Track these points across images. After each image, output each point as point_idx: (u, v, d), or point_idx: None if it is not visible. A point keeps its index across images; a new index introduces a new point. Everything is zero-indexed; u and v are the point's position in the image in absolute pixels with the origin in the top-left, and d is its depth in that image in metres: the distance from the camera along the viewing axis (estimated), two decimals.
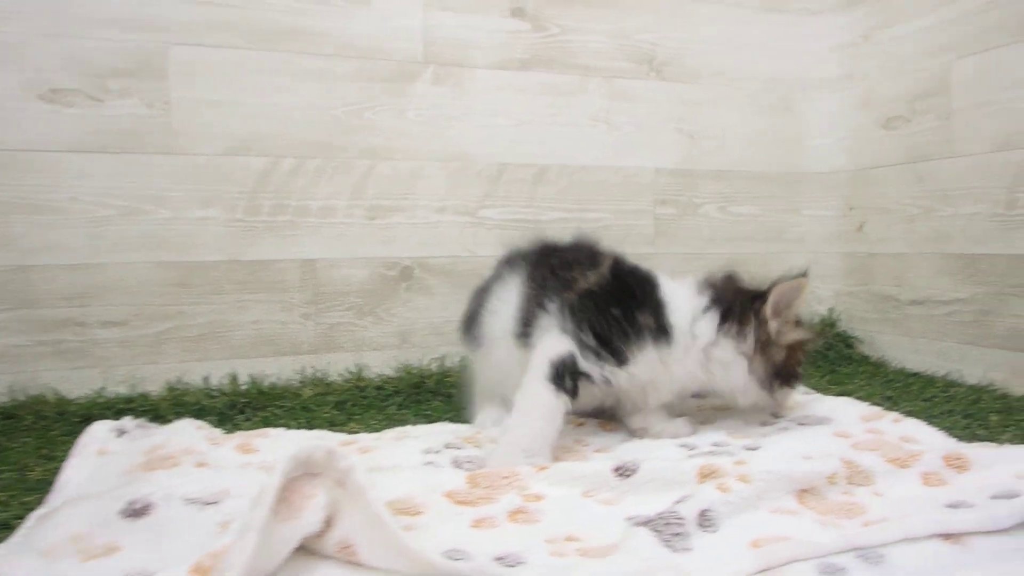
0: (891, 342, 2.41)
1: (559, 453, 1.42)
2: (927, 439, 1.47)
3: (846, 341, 2.50)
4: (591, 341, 1.47)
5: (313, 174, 2.06)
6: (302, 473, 1.01)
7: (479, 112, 2.23)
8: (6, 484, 1.36)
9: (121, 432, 1.48)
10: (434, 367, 2.11)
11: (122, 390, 1.90)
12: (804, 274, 1.56)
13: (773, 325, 1.55)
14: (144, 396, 1.86)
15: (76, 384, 1.89)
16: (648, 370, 1.51)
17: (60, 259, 1.89)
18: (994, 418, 1.71)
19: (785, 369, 1.57)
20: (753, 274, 1.66)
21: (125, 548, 1.01)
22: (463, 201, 2.22)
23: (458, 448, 1.45)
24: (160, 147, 1.94)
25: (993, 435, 1.58)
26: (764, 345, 1.54)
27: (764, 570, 0.99)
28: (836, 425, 1.57)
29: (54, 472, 1.32)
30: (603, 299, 1.51)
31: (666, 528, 1.04)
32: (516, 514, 1.14)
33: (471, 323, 1.69)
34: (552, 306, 1.52)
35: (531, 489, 1.23)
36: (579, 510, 1.18)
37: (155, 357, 1.95)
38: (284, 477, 0.97)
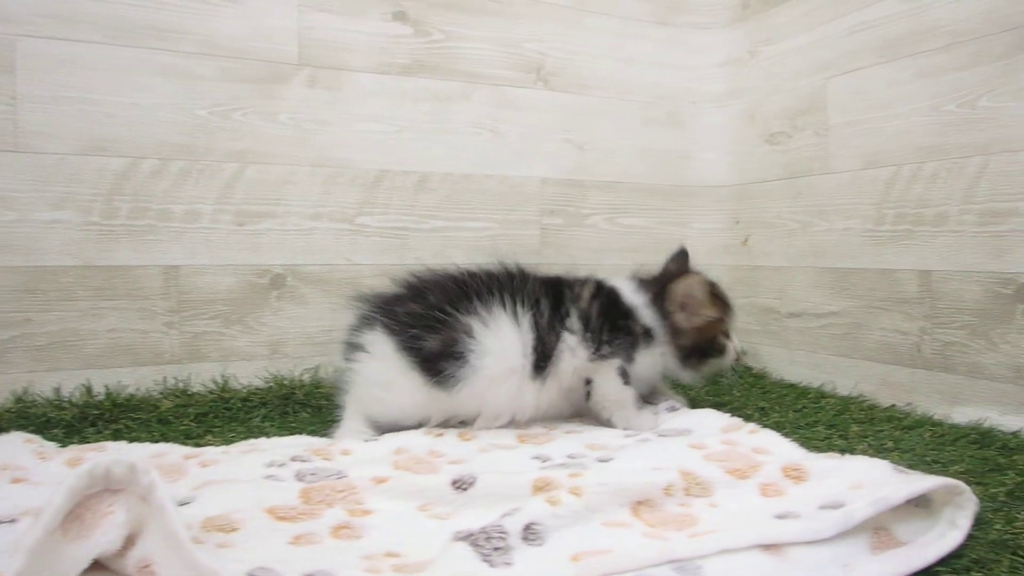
0: (772, 354, 2.45)
1: (410, 464, 1.39)
2: (779, 450, 1.47)
3: None
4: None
5: (177, 177, 1.98)
6: (101, 489, 0.96)
7: (357, 117, 2.18)
8: None
9: None
10: (306, 378, 2.05)
11: None
12: (696, 271, 1.85)
13: (680, 317, 1.79)
14: None
15: None
16: (643, 368, 1.76)
17: None
18: (855, 428, 1.75)
19: (700, 346, 1.81)
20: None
21: None
22: (339, 208, 2.16)
23: (304, 461, 1.40)
24: (6, 145, 1.84)
25: (851, 445, 1.61)
26: (675, 333, 1.79)
27: None
28: (694, 437, 1.57)
29: None
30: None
31: (487, 543, 1.02)
32: (339, 529, 1.11)
33: (447, 361, 1.61)
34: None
35: (364, 504, 1.20)
36: (408, 525, 1.15)
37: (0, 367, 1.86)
38: (70, 495, 0.91)
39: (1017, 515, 1.19)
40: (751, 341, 2.50)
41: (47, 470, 1.36)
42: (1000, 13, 1.76)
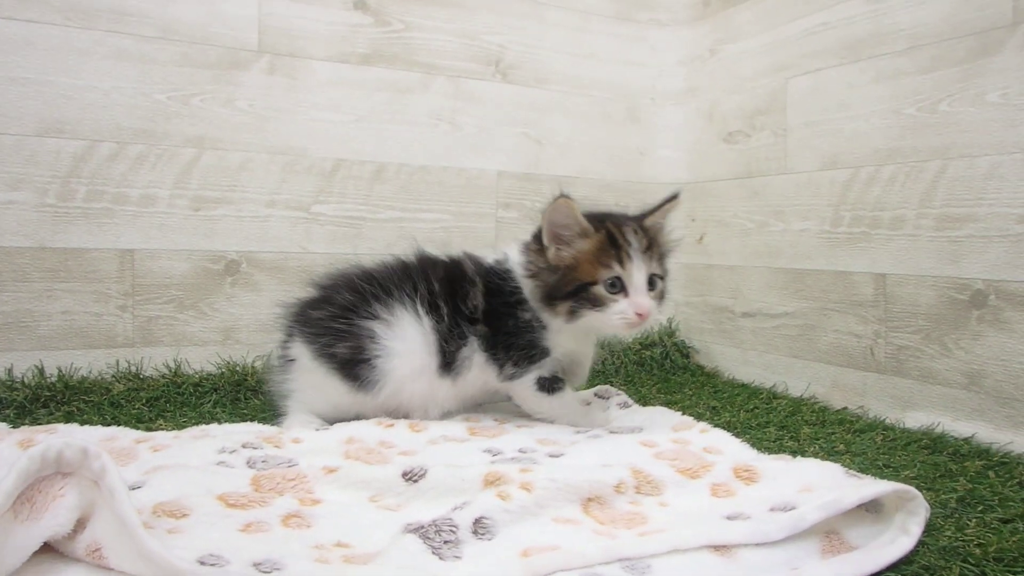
0: (725, 353, 2.45)
1: (360, 454, 1.40)
2: (729, 450, 1.49)
3: (682, 351, 2.53)
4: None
5: (134, 161, 1.98)
6: (52, 472, 0.97)
7: (316, 105, 2.18)
8: None
9: None
10: (258, 365, 2.06)
11: None
12: (563, 194, 1.58)
13: (552, 251, 1.62)
14: None
15: None
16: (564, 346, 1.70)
17: None
18: (806, 430, 1.75)
19: (559, 290, 1.61)
20: None
21: None
22: (296, 196, 2.16)
23: (255, 448, 1.41)
24: None
25: (801, 447, 1.62)
26: (539, 271, 1.64)
27: None
28: (645, 434, 1.58)
29: None
30: (501, 315, 1.68)
31: (437, 536, 1.03)
32: (290, 518, 1.12)
33: (359, 367, 1.62)
34: (475, 339, 1.67)
35: (314, 493, 1.21)
36: (357, 516, 1.16)
37: None
38: (21, 477, 0.92)
39: (968, 522, 1.20)
40: (704, 340, 2.53)
41: None
42: (961, 17, 1.77)
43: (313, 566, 0.97)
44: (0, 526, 0.89)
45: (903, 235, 1.88)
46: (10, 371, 1.86)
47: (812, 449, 1.60)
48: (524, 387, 1.68)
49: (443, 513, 1.08)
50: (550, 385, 1.69)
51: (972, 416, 1.74)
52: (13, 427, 1.55)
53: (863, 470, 1.39)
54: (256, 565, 0.96)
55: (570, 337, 1.69)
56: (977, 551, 1.09)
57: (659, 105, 2.66)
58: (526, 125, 2.46)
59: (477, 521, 1.07)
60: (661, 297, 1.65)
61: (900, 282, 1.89)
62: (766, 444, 1.62)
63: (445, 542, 1.02)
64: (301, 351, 1.66)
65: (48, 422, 1.66)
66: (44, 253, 1.91)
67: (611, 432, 1.62)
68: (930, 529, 1.15)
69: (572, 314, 1.60)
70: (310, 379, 1.66)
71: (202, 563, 0.93)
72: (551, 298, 1.61)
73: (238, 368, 2.03)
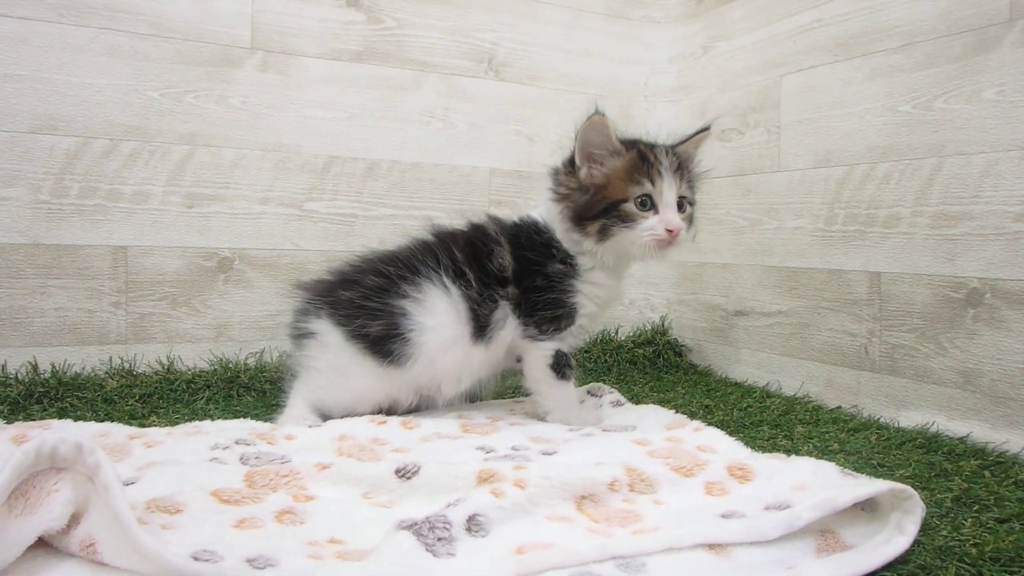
0: (717, 351, 2.46)
1: (353, 451, 1.40)
2: (723, 448, 1.48)
3: (675, 349, 2.54)
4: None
5: (127, 157, 1.99)
6: (47, 467, 0.97)
7: (308, 103, 2.19)
8: None
9: None
10: (251, 362, 2.06)
11: None
12: (598, 112, 1.62)
13: (584, 171, 1.65)
14: None
15: None
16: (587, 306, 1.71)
17: None
18: (800, 429, 1.75)
19: (591, 209, 1.63)
20: None
21: None
22: (288, 193, 2.17)
23: (248, 444, 1.42)
24: None
25: (795, 446, 1.61)
26: (570, 192, 1.66)
27: None
28: (638, 432, 1.58)
29: None
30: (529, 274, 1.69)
31: (431, 533, 1.02)
32: (283, 515, 1.12)
33: (393, 342, 1.63)
34: (505, 301, 1.68)
35: (308, 490, 1.21)
36: (351, 513, 1.16)
37: None
38: (16, 471, 0.92)
39: (963, 521, 1.20)
40: (696, 338, 2.53)
41: None
42: (957, 14, 1.76)
43: (306, 562, 0.97)
44: None
45: (898, 233, 1.88)
46: (3, 367, 1.87)
47: (806, 448, 1.60)
48: (540, 354, 1.69)
49: (437, 510, 1.08)
50: (563, 366, 1.70)
51: (967, 415, 1.73)
52: (7, 423, 1.55)
53: (857, 469, 1.38)
54: (250, 561, 0.96)
55: (603, 274, 1.70)
56: (973, 551, 1.08)
57: (652, 102, 2.67)
58: (518, 122, 2.47)
59: (471, 518, 1.07)
60: (691, 221, 1.69)
61: (895, 280, 1.88)
62: (759, 443, 1.62)
63: (439, 539, 1.02)
64: (328, 331, 1.66)
65: (41, 418, 1.66)
66: (38, 250, 1.91)
67: (604, 430, 1.62)
68: (926, 528, 1.15)
69: (602, 233, 1.62)
70: (335, 361, 1.66)
71: (196, 559, 0.93)
72: (581, 218, 1.63)
73: (231, 365, 2.03)
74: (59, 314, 1.94)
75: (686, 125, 2.54)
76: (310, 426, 1.57)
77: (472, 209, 2.36)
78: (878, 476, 1.34)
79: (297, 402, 1.69)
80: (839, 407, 1.98)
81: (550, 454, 1.44)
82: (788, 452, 1.50)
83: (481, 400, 1.88)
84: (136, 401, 1.83)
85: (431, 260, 1.66)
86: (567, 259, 1.68)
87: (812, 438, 1.68)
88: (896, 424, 1.82)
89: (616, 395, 1.87)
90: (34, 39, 1.90)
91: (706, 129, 1.72)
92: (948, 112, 1.78)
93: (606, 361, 2.42)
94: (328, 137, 2.22)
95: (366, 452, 1.40)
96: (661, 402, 1.93)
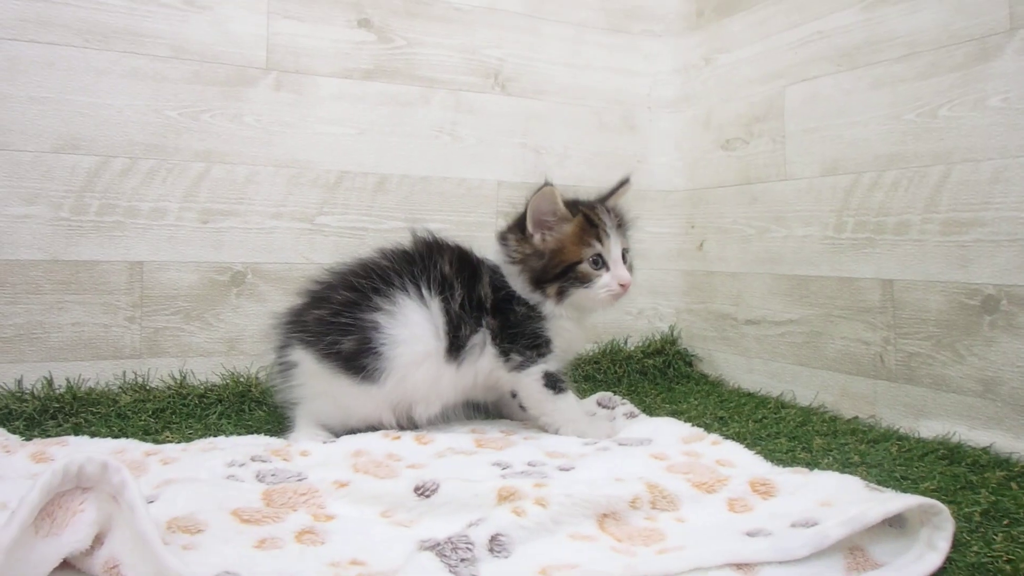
0: (728, 361, 2.45)
1: (369, 467, 1.41)
2: (742, 462, 1.49)
3: (685, 359, 2.55)
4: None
5: (145, 175, 2.03)
6: (73, 486, 0.99)
7: (320, 120, 2.23)
8: None
9: None
10: (262, 376, 2.08)
11: None
12: (548, 183, 1.71)
13: (537, 237, 1.74)
14: None
15: None
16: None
17: None
18: (818, 441, 1.72)
19: (548, 272, 1.72)
20: None
21: None
22: (300, 207, 2.21)
23: (264, 461, 1.43)
24: None
25: (815, 459, 1.59)
26: (526, 257, 1.75)
27: None
28: (655, 446, 1.59)
29: None
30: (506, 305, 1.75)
31: (453, 553, 1.03)
32: (304, 534, 1.13)
33: (366, 357, 1.65)
34: (486, 329, 1.73)
35: (327, 508, 1.22)
36: (370, 532, 1.16)
37: None
38: (44, 492, 0.94)
39: (994, 536, 1.17)
40: (707, 347, 2.54)
41: (11, 464, 1.39)
42: (957, 25, 1.77)
43: None
44: (23, 542, 0.90)
45: (909, 240, 1.87)
46: (20, 382, 1.90)
47: (826, 461, 1.58)
48: (531, 380, 1.72)
49: (458, 530, 1.09)
50: (557, 383, 1.73)
51: (989, 425, 1.70)
52: (25, 439, 1.58)
53: (881, 482, 1.36)
54: None
55: (568, 322, 1.76)
56: (1007, 567, 1.07)
57: (655, 113, 2.69)
58: (525, 135, 2.50)
59: (493, 538, 1.07)
60: (631, 269, 1.78)
61: (908, 288, 1.87)
62: (778, 456, 1.60)
63: (462, 560, 1.02)
64: (303, 357, 1.69)
65: (57, 434, 1.69)
66: (56, 266, 1.95)
67: (620, 444, 1.62)
68: (956, 544, 1.12)
69: (561, 294, 1.72)
70: (316, 384, 1.69)
71: None
72: (540, 281, 1.73)
73: (242, 379, 2.06)
74: (75, 329, 1.98)
75: (690, 135, 2.59)
76: (324, 442, 1.59)
77: (481, 221, 2.40)
78: (902, 489, 1.32)
79: (302, 423, 1.71)
80: (856, 417, 1.95)
81: (567, 470, 1.44)
82: (808, 465, 1.49)
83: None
84: (149, 416, 1.85)
85: (411, 271, 1.70)
86: (531, 307, 1.75)
87: (832, 450, 1.66)
88: (916, 434, 1.79)
89: (629, 406, 1.88)
90: (60, 63, 1.96)
91: (626, 182, 1.84)
92: (953, 120, 1.78)
93: (616, 372, 2.42)
94: (339, 153, 2.26)
95: (382, 468, 1.40)
96: (674, 413, 1.93)
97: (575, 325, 1.78)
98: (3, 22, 1.91)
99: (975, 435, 1.71)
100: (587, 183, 2.48)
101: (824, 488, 1.26)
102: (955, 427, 1.76)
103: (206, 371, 2.09)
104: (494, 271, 1.77)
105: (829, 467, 1.50)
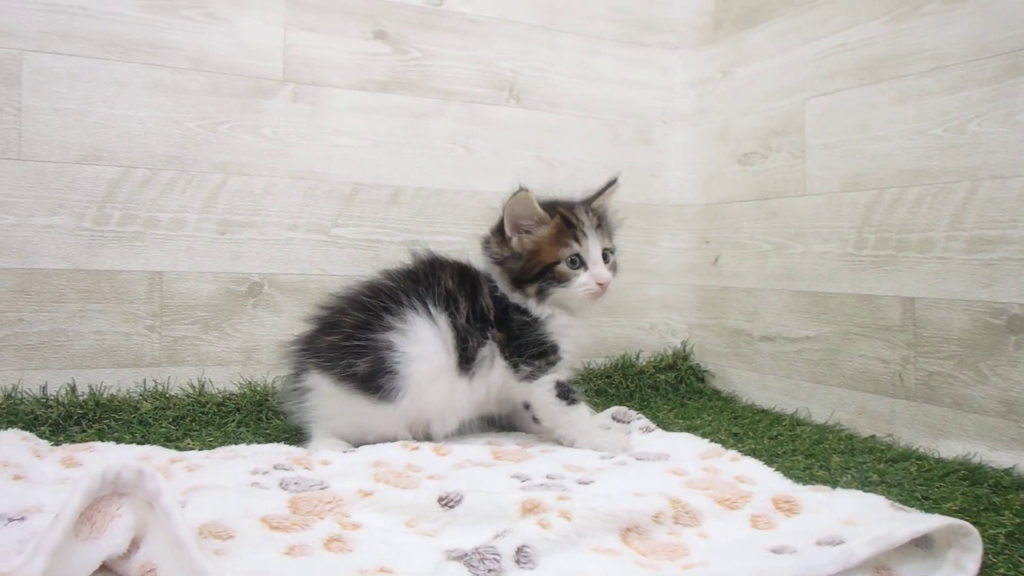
0: (742, 377, 2.44)
1: (389, 478, 1.42)
2: (762, 479, 1.49)
3: (698, 375, 2.55)
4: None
5: (165, 186, 2.06)
6: (110, 492, 1.00)
7: (336, 131, 2.25)
8: None
9: None
10: (278, 385, 2.09)
11: None
12: (522, 188, 1.77)
13: (515, 240, 1.79)
14: None
15: None
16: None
17: None
18: (836, 459, 1.71)
19: (526, 273, 1.76)
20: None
21: None
22: (316, 219, 2.23)
23: (287, 470, 1.45)
24: (9, 153, 1.93)
25: (833, 477, 1.58)
26: (505, 259, 1.80)
27: None
28: (673, 462, 1.59)
29: None
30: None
31: (481, 564, 1.04)
32: (332, 542, 1.14)
33: (382, 377, 1.67)
34: (493, 341, 1.76)
35: (352, 517, 1.23)
36: (397, 541, 1.17)
37: None
38: (86, 496, 0.96)
39: (1020, 559, 1.16)
40: (720, 363, 2.53)
41: (42, 468, 1.41)
42: (988, 38, 1.74)
43: None
44: (66, 545, 0.92)
45: (932, 258, 1.84)
46: (44, 389, 1.93)
47: (844, 479, 1.57)
48: (543, 391, 1.74)
49: (485, 541, 1.09)
50: (568, 393, 1.75)
51: (1012, 446, 1.67)
52: (54, 444, 1.61)
53: (902, 502, 1.33)
54: None
55: (565, 318, 1.79)
56: None
57: (670, 127, 2.70)
58: (539, 148, 2.52)
59: (519, 550, 1.08)
60: (615, 268, 1.82)
61: (930, 306, 1.85)
62: (796, 473, 1.58)
63: (489, 570, 1.03)
64: (319, 381, 1.71)
65: (82, 439, 1.71)
66: (79, 275, 1.98)
67: (637, 459, 1.62)
68: (982, 566, 1.11)
69: (541, 294, 1.76)
70: (333, 405, 1.71)
71: None
72: (519, 282, 1.77)
73: (259, 388, 2.08)
74: (97, 337, 2.01)
75: (706, 149, 2.58)
76: (344, 452, 1.61)
77: None
78: (924, 509, 1.31)
79: (320, 433, 1.73)
80: (873, 436, 1.93)
81: (587, 483, 1.44)
82: (827, 483, 1.48)
83: None
84: (170, 423, 1.87)
85: (417, 289, 1.73)
86: (525, 312, 1.77)
87: (850, 468, 1.64)
88: (936, 454, 1.76)
89: (644, 420, 1.88)
90: (83, 75, 1.99)
91: (614, 182, 1.88)
92: (981, 135, 1.75)
93: (627, 387, 2.43)
94: (354, 164, 2.28)
95: (402, 479, 1.42)
96: (688, 429, 1.92)
97: (573, 320, 1.81)
98: (27, 34, 1.94)
99: (996, 456, 1.69)
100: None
101: (848, 507, 1.26)
102: (976, 447, 1.74)
103: (223, 380, 2.11)
104: (489, 279, 1.81)
105: (848, 485, 1.49)
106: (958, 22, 1.81)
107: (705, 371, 2.57)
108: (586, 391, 2.33)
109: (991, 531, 1.26)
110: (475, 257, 1.88)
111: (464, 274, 1.80)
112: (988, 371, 1.73)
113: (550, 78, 2.53)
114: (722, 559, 1.12)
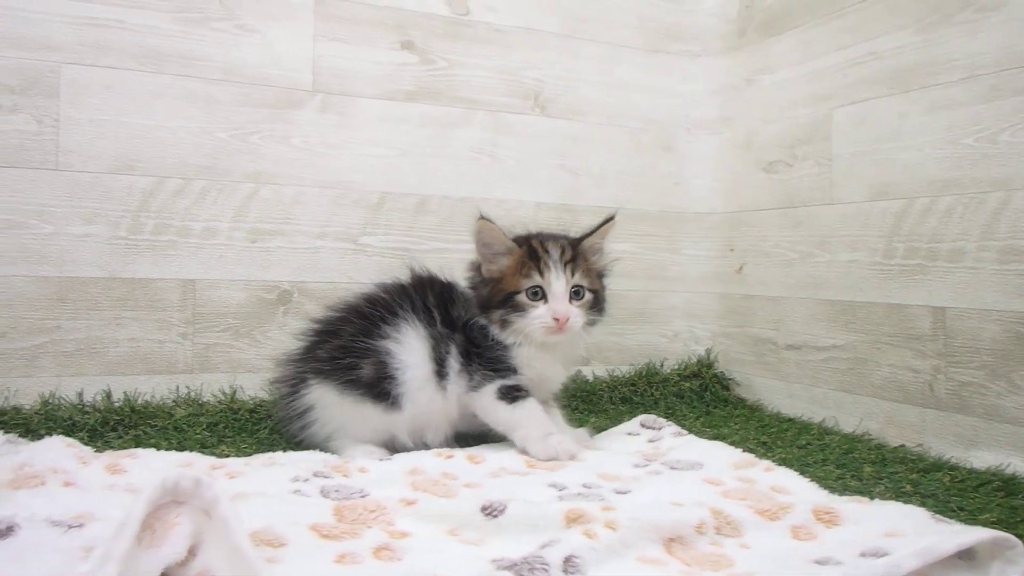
0: (767, 386, 2.43)
1: (427, 486, 1.43)
2: (798, 490, 1.48)
3: (723, 383, 2.55)
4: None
5: (197, 196, 2.09)
6: (168, 500, 1.02)
7: (364, 141, 2.28)
8: None
9: None
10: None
11: None
12: (483, 217, 1.76)
13: (484, 266, 1.80)
14: (16, 409, 1.87)
15: None
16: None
17: None
18: (868, 469, 1.70)
19: (491, 300, 1.76)
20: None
21: None
22: (344, 228, 2.26)
23: (327, 477, 1.46)
24: (47, 163, 1.96)
25: (866, 487, 1.57)
26: (476, 285, 1.81)
27: None
28: (707, 471, 1.59)
29: None
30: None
31: (531, 573, 1.05)
32: (380, 551, 1.14)
33: (386, 382, 1.71)
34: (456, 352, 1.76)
35: (396, 525, 1.24)
36: (444, 550, 1.17)
37: (30, 371, 1.95)
38: (148, 505, 0.97)
39: None
40: (744, 372, 2.53)
41: (88, 475, 1.42)
42: (1020, 48, 1.73)
43: None
44: (131, 552, 0.93)
45: (963, 268, 1.84)
46: (81, 395, 1.96)
47: (878, 489, 1.55)
48: (486, 396, 1.73)
49: (532, 551, 1.10)
50: (511, 393, 1.73)
51: None
52: (97, 451, 1.62)
53: (938, 513, 1.30)
54: None
55: (535, 356, 1.77)
56: None
57: (694, 135, 2.71)
58: (563, 156, 2.54)
59: (567, 560, 1.07)
60: (591, 307, 1.79)
61: (961, 316, 1.84)
62: (828, 483, 1.55)
63: None
64: (320, 393, 1.73)
65: (119, 446, 1.72)
66: (114, 283, 2.01)
67: (671, 468, 1.62)
68: None
69: (503, 322, 1.75)
70: (341, 413, 1.73)
71: None
72: (486, 307, 1.77)
73: None
74: (132, 344, 2.04)
75: (730, 157, 2.58)
76: (380, 459, 1.61)
77: None
78: (960, 521, 1.29)
79: (346, 443, 1.74)
80: (902, 445, 1.92)
81: (624, 492, 1.43)
82: (860, 493, 1.47)
83: None
84: (204, 430, 1.89)
85: (407, 301, 1.77)
86: (493, 338, 1.77)
87: (882, 478, 1.64)
88: (968, 465, 1.74)
89: (675, 427, 1.88)
90: (118, 86, 2.02)
91: (611, 219, 1.83)
92: (1015, 145, 1.74)
93: (652, 395, 2.43)
94: (382, 174, 2.30)
95: (439, 487, 1.42)
96: (715, 438, 1.90)
97: (541, 354, 1.78)
98: (64, 46, 1.97)
99: None
100: (624, 205, 2.52)
101: (889, 518, 1.25)
102: (1009, 458, 1.72)
103: (254, 387, 2.13)
104: (468, 299, 1.82)
105: (883, 496, 1.48)
106: (990, 31, 1.81)
107: (730, 379, 2.57)
108: (611, 399, 2.37)
109: None
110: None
111: (448, 289, 1.84)
112: (1021, 381, 1.72)
113: (574, 86, 2.56)
114: (767, 570, 1.12)
